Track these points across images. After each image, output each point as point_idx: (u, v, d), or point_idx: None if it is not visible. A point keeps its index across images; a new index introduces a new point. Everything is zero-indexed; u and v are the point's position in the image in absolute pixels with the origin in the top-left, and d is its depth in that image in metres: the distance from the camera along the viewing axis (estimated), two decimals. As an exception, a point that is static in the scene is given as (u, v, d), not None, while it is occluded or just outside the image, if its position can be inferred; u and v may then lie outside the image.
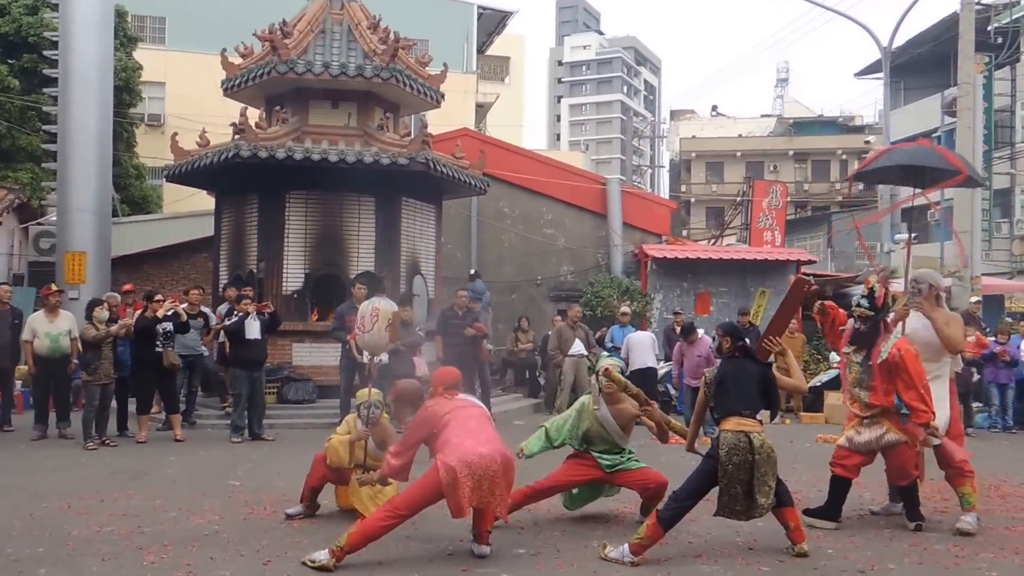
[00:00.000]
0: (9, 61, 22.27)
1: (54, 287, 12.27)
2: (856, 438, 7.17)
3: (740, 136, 60.64)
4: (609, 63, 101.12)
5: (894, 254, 26.08)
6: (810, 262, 21.00)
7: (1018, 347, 14.53)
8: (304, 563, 5.85)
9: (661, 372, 15.00)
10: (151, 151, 26.39)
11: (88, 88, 15.88)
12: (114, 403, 11.80)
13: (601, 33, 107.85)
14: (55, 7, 18.13)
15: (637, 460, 7.28)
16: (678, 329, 15.25)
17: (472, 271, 17.85)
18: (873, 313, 7.21)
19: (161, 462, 9.96)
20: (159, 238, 20.32)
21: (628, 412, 7.15)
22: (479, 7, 36.91)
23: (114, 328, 11.29)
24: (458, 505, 5.77)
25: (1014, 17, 30.51)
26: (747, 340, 6.90)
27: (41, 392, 11.92)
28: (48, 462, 9.91)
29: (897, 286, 9.05)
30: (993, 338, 14.83)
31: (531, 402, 16.33)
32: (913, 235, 25.77)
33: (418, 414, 6.21)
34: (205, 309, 13.52)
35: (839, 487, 7.25)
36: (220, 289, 14.91)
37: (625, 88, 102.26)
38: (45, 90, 19.09)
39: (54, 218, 17.35)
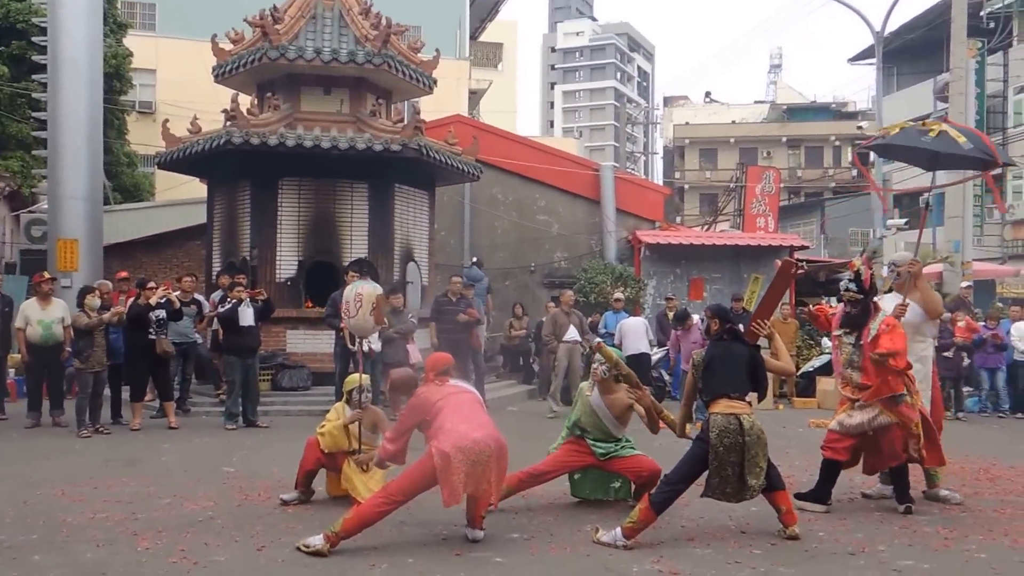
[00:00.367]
0: (-3, 48, 22.15)
1: (46, 275, 12.23)
2: (848, 421, 7.22)
3: (733, 122, 60.71)
4: (602, 49, 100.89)
5: (886, 240, 26.17)
6: (803, 247, 21.04)
7: (1007, 332, 14.59)
8: (299, 548, 5.87)
9: (654, 358, 15.04)
10: (142, 138, 26.28)
11: (77, 74, 15.81)
12: (107, 391, 11.81)
13: (594, 19, 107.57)
14: (44, -7, 18.04)
15: (632, 448, 7.30)
16: (671, 315, 15.32)
17: (474, 259, 17.85)
18: (862, 296, 7.27)
19: (155, 449, 9.97)
20: (151, 226, 20.24)
21: (622, 402, 7.16)
22: (472, -7, 36.80)
23: (107, 316, 11.29)
24: (452, 491, 5.79)
25: (1006, 2, 30.48)
26: (735, 323, 6.93)
27: (34, 380, 11.92)
28: (42, 450, 9.91)
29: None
30: (983, 323, 14.90)
31: (525, 388, 16.38)
32: (904, 221, 25.92)
33: (410, 401, 6.23)
34: (198, 297, 13.51)
35: (830, 470, 7.30)
36: (213, 277, 14.90)
37: (618, 74, 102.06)
38: (34, 77, 18.98)
39: (45, 206, 17.30)
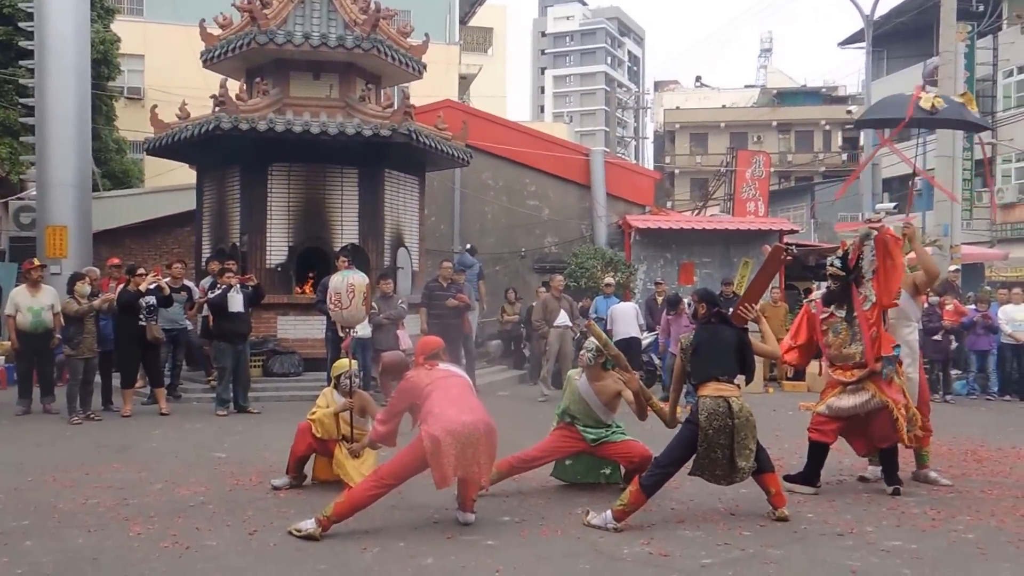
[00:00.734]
0: (-16, 34, 21.96)
1: (36, 261, 12.18)
2: (838, 403, 7.24)
3: (724, 107, 60.66)
4: (592, 34, 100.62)
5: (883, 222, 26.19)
6: (792, 231, 21.08)
7: (995, 314, 14.67)
8: (290, 532, 5.89)
9: (645, 342, 15.06)
10: (131, 125, 26.10)
11: (65, 60, 15.71)
12: (98, 378, 11.80)
13: (584, 3, 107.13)
14: (29, -22, 17.89)
15: (623, 433, 7.32)
16: (660, 300, 15.36)
17: (467, 245, 17.84)
18: (844, 273, 7.31)
19: (146, 436, 9.97)
20: (141, 212, 20.17)
21: (610, 388, 7.18)
22: (461, -23, 36.66)
23: (97, 302, 11.27)
24: (442, 474, 5.82)
25: (996, -15, 30.53)
26: (722, 306, 6.96)
27: (24, 367, 11.89)
28: (33, 437, 9.91)
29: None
30: (973, 306, 14.98)
31: (516, 373, 16.41)
32: (894, 205, 26.00)
33: (400, 385, 6.25)
34: (188, 283, 13.49)
35: (817, 452, 7.35)
36: (203, 263, 14.87)
37: (609, 59, 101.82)
38: (21, 63, 18.85)
39: (34, 193, 17.22)
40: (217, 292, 11.80)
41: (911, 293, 7.65)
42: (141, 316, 11.57)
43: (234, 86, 14.72)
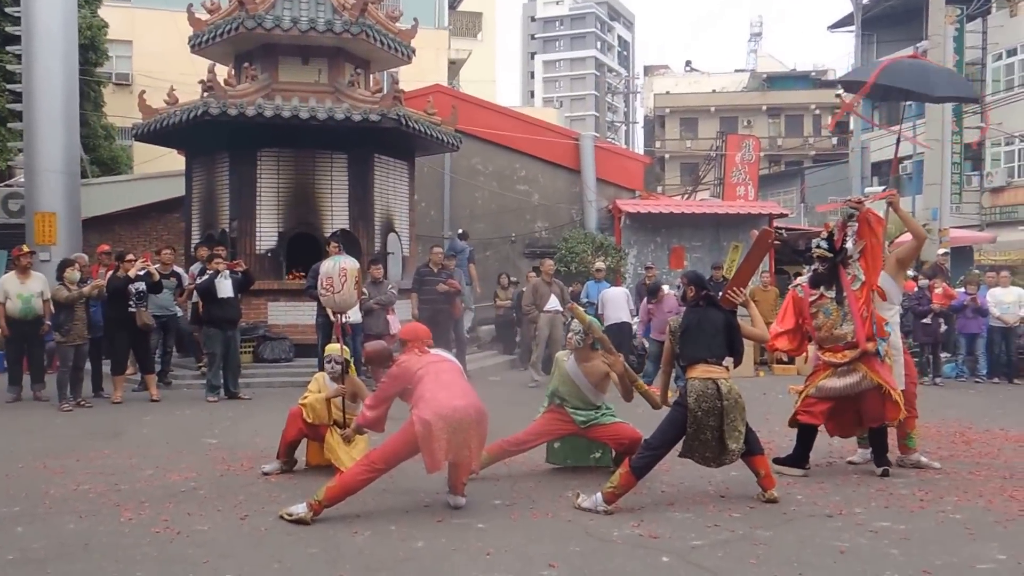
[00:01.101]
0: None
1: (25, 248, 12.14)
2: (828, 385, 7.25)
3: (714, 91, 60.60)
4: (582, 19, 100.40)
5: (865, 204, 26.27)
6: (782, 215, 21.13)
7: (985, 297, 14.74)
8: (282, 516, 5.90)
9: (636, 327, 15.10)
10: (120, 111, 25.95)
11: (52, 46, 15.60)
12: (88, 364, 11.78)
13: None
14: (16, -37, 17.76)
15: (613, 416, 7.33)
16: (650, 284, 15.38)
17: (459, 231, 17.83)
18: (831, 255, 7.32)
19: (137, 422, 9.97)
20: (130, 199, 20.08)
21: (598, 369, 7.18)
22: (450, -39, 36.50)
23: (86, 289, 11.24)
24: (433, 458, 5.83)
25: (985, -31, 30.54)
26: (711, 289, 6.98)
27: (14, 354, 11.85)
28: (23, 424, 9.90)
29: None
30: (962, 289, 15.04)
31: (507, 358, 16.43)
32: (882, 188, 26.10)
33: (391, 370, 6.25)
34: (178, 269, 13.46)
35: (806, 435, 7.38)
36: (192, 249, 14.84)
37: (599, 44, 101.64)
38: (8, 49, 18.73)
39: (22, 179, 17.15)
40: (204, 278, 11.78)
41: (893, 274, 7.66)
42: (131, 302, 11.55)
43: (223, 71, 14.65)
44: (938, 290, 14.57)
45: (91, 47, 23.52)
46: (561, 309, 14.28)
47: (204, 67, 14.24)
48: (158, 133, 14.62)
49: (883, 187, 26.93)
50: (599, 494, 6.16)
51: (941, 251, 18.53)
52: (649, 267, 16.88)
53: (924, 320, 14.24)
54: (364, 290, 11.77)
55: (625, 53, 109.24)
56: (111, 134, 26.28)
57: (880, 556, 5.18)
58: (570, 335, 7.27)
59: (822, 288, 7.41)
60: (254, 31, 13.81)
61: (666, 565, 5.06)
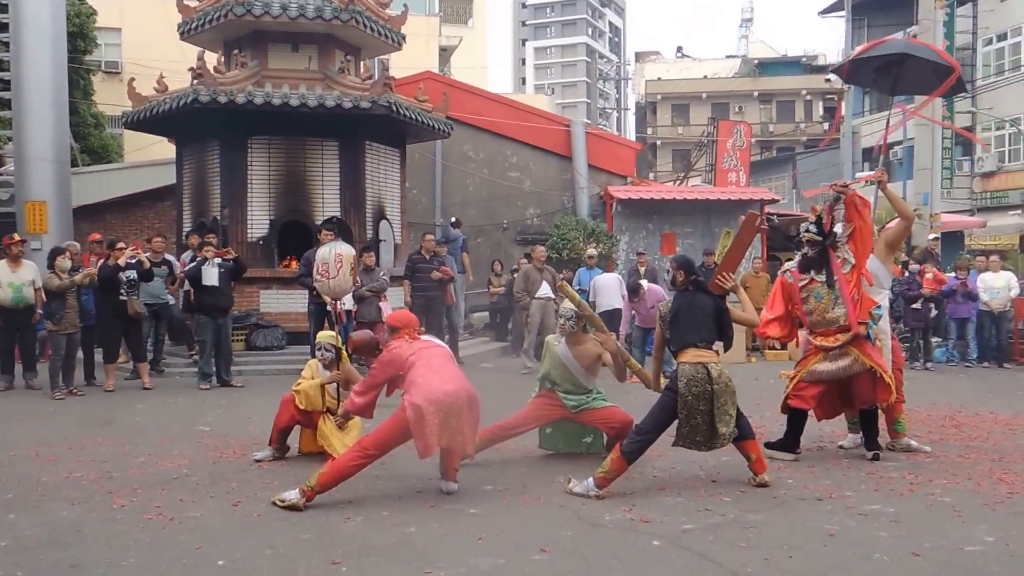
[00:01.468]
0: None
1: (17, 237, 12.11)
2: (820, 368, 7.28)
3: (705, 77, 60.56)
4: (573, 5, 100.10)
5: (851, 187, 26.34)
6: (773, 201, 21.14)
7: (975, 282, 14.81)
8: (274, 503, 5.91)
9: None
10: (109, 99, 25.87)
11: (41, 33, 15.52)
12: (81, 353, 11.77)
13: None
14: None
15: (604, 400, 7.35)
16: (642, 270, 15.41)
17: (453, 219, 17.82)
18: (821, 238, 7.33)
19: (129, 410, 9.97)
20: (121, 187, 20.05)
21: (590, 352, 7.20)
22: (440, -53, 36.35)
23: (78, 277, 11.23)
24: (425, 443, 5.85)
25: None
26: (700, 274, 6.99)
27: (6, 343, 11.82)
28: (15, 412, 9.89)
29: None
30: (953, 274, 15.09)
31: (499, 345, 16.45)
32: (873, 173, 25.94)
33: (382, 356, 6.25)
34: (169, 257, 13.44)
35: (796, 419, 7.41)
36: (184, 237, 14.81)
37: (590, 30, 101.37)
38: (-4, 36, 18.65)
39: (12, 168, 17.08)
40: (191, 265, 11.77)
41: (882, 257, 7.69)
42: (122, 291, 11.54)
43: (212, 59, 14.60)
44: (928, 275, 14.62)
45: (80, 35, 23.42)
46: (553, 296, 14.28)
47: (193, 54, 14.19)
48: (148, 121, 14.58)
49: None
50: (591, 479, 6.18)
51: (932, 236, 18.56)
52: (641, 253, 16.87)
53: (914, 305, 14.30)
54: (357, 278, 11.77)
55: (616, 39, 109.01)
56: (101, 122, 26.17)
57: (870, 539, 5.22)
58: (562, 322, 7.27)
59: (812, 272, 7.42)
60: (243, 18, 13.75)
61: (657, 549, 5.09)
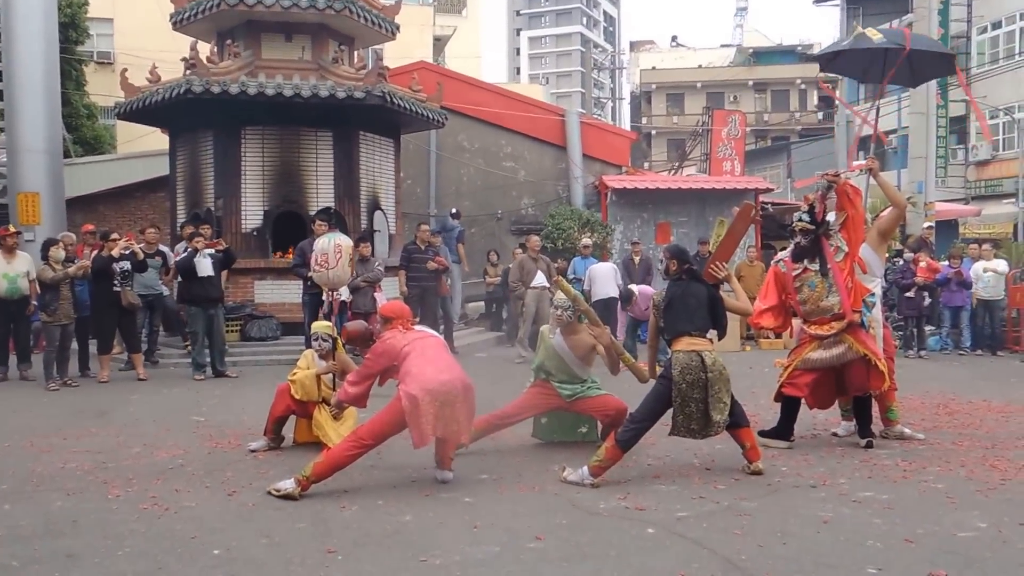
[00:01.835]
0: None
1: (11, 228, 12.09)
2: (815, 356, 7.29)
3: (700, 67, 60.52)
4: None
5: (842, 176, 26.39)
6: (768, 190, 21.15)
7: (970, 270, 14.84)
8: (269, 492, 5.92)
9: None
10: (102, 90, 25.84)
11: (32, 24, 15.47)
12: (75, 344, 11.76)
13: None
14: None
15: (599, 388, 7.36)
16: (636, 260, 15.43)
17: (453, 210, 17.80)
18: (813, 227, 7.34)
19: (124, 401, 9.97)
20: (114, 178, 20.00)
21: (585, 342, 7.20)
22: (434, -64, 36.24)
23: (72, 269, 11.22)
24: (421, 433, 5.85)
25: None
26: (692, 262, 6.99)
27: (1, 334, 11.81)
28: (10, 403, 9.89)
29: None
30: (946, 262, 15.12)
31: (494, 335, 16.45)
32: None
33: (376, 346, 6.25)
34: (163, 248, 13.43)
35: (790, 407, 7.43)
36: (178, 228, 14.78)
37: (584, 20, 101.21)
38: (-13, 27, 18.56)
39: (4, 159, 17.03)
40: (183, 255, 11.76)
41: (874, 246, 7.70)
42: (116, 282, 11.52)
43: (205, 49, 14.54)
44: (922, 263, 14.64)
45: (72, 25, 23.36)
46: (548, 285, 14.28)
47: (186, 45, 14.14)
48: (141, 112, 14.54)
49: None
50: (585, 467, 6.20)
51: (926, 224, 18.59)
52: (635, 242, 16.89)
53: (908, 294, 14.33)
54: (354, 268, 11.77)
55: (611, 29, 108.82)
56: (93, 113, 26.12)
57: (863, 525, 5.23)
58: (558, 312, 7.25)
59: (805, 261, 7.43)
60: (236, 7, 13.70)
61: (651, 536, 5.10)
